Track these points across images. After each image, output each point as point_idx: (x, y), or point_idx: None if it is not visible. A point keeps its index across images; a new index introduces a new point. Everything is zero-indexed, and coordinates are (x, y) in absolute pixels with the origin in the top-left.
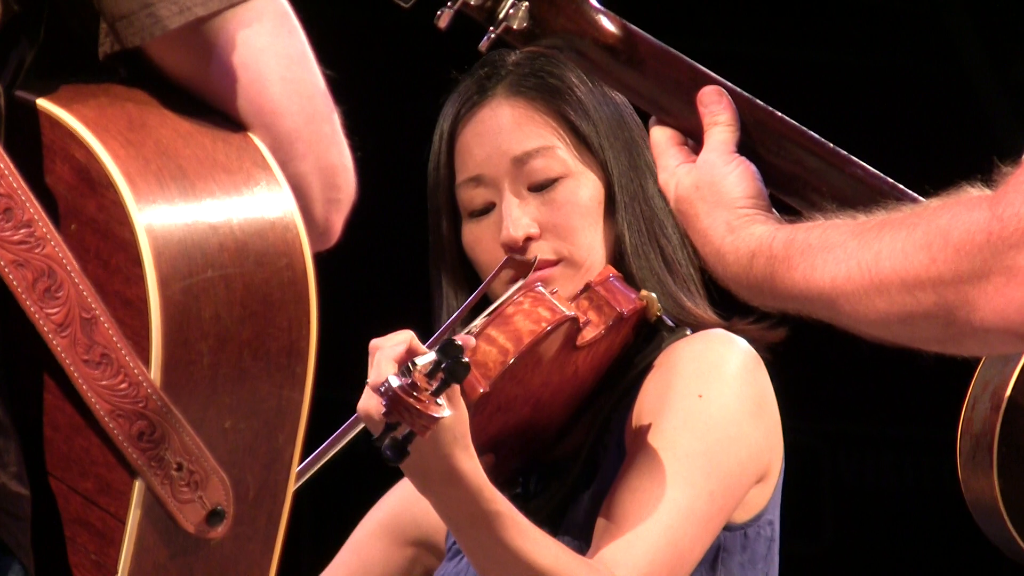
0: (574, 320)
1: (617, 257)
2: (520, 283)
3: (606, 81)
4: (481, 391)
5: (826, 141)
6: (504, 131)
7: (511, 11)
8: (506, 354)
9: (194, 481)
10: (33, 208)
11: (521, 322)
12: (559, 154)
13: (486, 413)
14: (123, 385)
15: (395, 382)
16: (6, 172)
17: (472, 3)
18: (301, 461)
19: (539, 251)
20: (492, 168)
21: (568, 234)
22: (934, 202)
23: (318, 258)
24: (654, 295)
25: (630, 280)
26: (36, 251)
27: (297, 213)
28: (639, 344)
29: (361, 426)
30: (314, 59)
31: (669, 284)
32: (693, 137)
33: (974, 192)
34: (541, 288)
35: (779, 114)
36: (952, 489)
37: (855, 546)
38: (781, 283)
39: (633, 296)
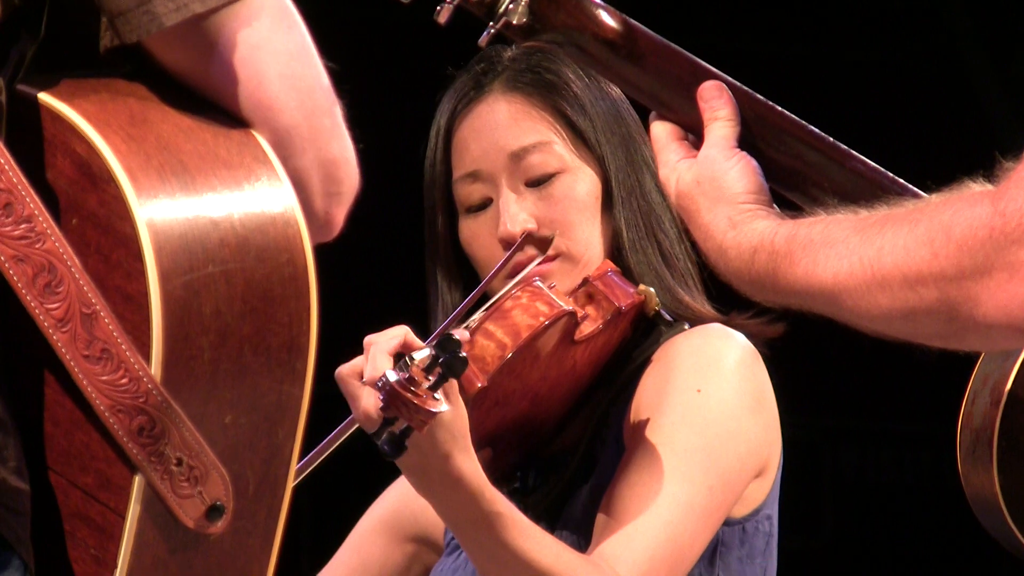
0: (572, 314)
1: (615, 252)
2: (518, 278)
3: (606, 76)
4: (479, 385)
5: (826, 136)
6: (501, 127)
7: (511, 6)
8: (504, 348)
9: (194, 476)
10: (33, 203)
11: (519, 316)
12: (556, 149)
13: (484, 407)
14: (123, 380)
15: (392, 376)
16: (6, 167)
17: None
18: (301, 456)
19: (536, 246)
20: (489, 164)
21: (566, 229)
22: (936, 198)
23: (318, 254)
24: (652, 290)
25: (628, 275)
26: (36, 246)
27: (298, 208)
28: (637, 339)
29: (356, 426)
30: (315, 53)
31: (667, 279)
32: (693, 132)
33: (976, 187)
34: (539, 282)
35: (779, 108)
36: (952, 484)
37: (855, 541)
38: (783, 279)
39: (631, 291)
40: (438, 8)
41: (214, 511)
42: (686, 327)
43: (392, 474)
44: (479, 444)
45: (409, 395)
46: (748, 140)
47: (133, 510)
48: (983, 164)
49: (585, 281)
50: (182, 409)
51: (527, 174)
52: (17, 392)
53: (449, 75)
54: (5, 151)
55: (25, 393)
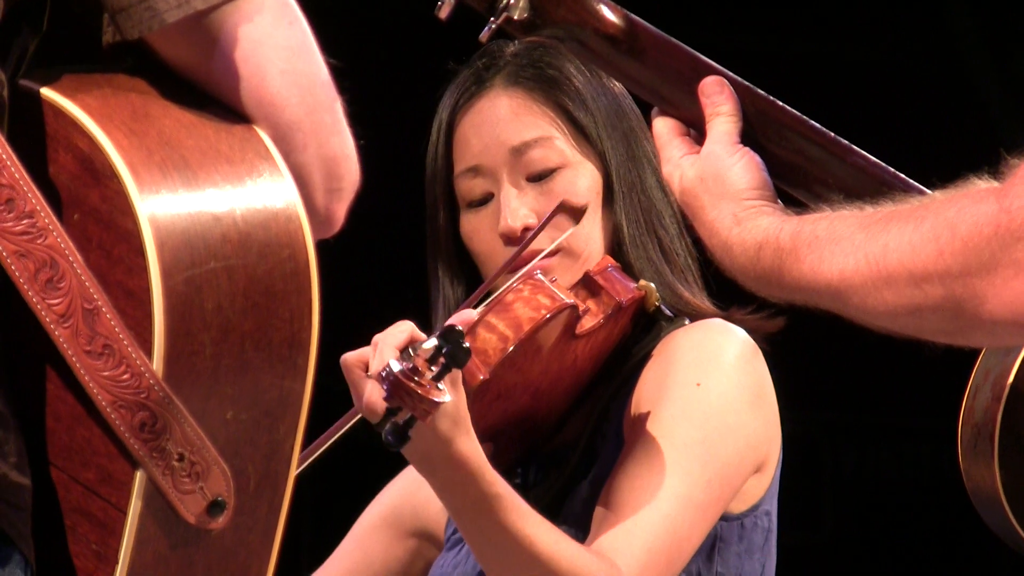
0: (573, 308)
1: (615, 247)
2: (521, 272)
3: (607, 71)
4: (481, 378)
5: (827, 131)
6: (502, 121)
7: (512, 1)
8: (506, 341)
9: (195, 472)
10: (35, 198)
11: (521, 309)
12: (557, 144)
13: (485, 401)
14: (125, 376)
15: (396, 367)
16: (8, 162)
17: None
18: (302, 448)
19: (537, 241)
20: (490, 158)
21: (565, 227)
22: (941, 194)
23: (320, 250)
24: (652, 285)
25: (628, 270)
26: (38, 241)
27: (300, 204)
28: (637, 334)
29: (358, 416)
30: (316, 49)
31: (667, 274)
32: (695, 128)
33: (981, 184)
34: (540, 276)
35: (780, 103)
36: (952, 479)
37: (854, 536)
38: (788, 275)
39: (632, 286)
40: (439, 4)
41: (215, 507)
42: (686, 322)
43: (393, 470)
44: (480, 438)
45: (413, 385)
46: (750, 135)
47: (134, 506)
48: (984, 161)
49: (586, 276)
50: (184, 405)
51: (528, 169)
52: (19, 387)
53: (451, 70)
54: (7, 146)
55: (27, 388)
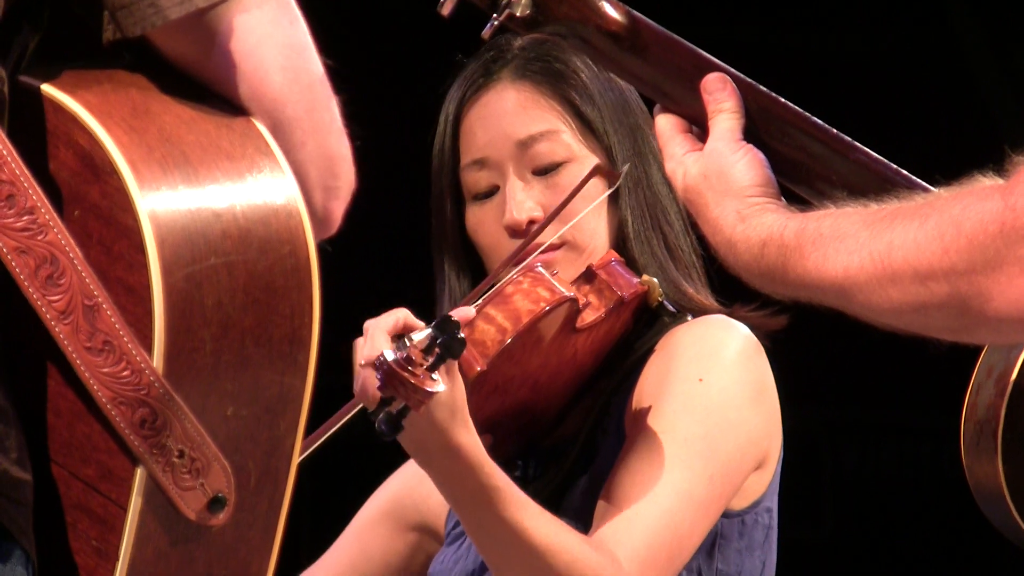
0: (574, 301)
1: (619, 242)
2: (522, 264)
3: (609, 68)
4: (478, 369)
5: (829, 127)
6: (509, 115)
7: None
8: (504, 333)
9: (196, 468)
10: (36, 195)
11: (520, 301)
12: (563, 138)
13: (483, 393)
14: (125, 372)
15: (390, 356)
16: (9, 158)
17: None
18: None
19: (543, 235)
20: (496, 151)
21: (571, 218)
22: (946, 192)
23: (320, 246)
24: (655, 280)
25: (632, 265)
26: (39, 238)
27: (300, 200)
28: (640, 329)
29: (357, 408)
30: (314, 48)
31: (671, 270)
32: (698, 124)
33: (986, 182)
34: (541, 268)
35: (782, 100)
36: (953, 475)
37: (855, 533)
38: (793, 272)
39: (635, 281)
40: (441, 1)
41: (216, 503)
42: (689, 318)
43: (393, 464)
44: (478, 430)
45: (406, 374)
46: (752, 132)
47: (135, 502)
48: (985, 158)
49: (588, 270)
50: (184, 401)
51: (534, 163)
52: (19, 383)
53: (459, 62)
54: (7, 142)
55: (27, 384)
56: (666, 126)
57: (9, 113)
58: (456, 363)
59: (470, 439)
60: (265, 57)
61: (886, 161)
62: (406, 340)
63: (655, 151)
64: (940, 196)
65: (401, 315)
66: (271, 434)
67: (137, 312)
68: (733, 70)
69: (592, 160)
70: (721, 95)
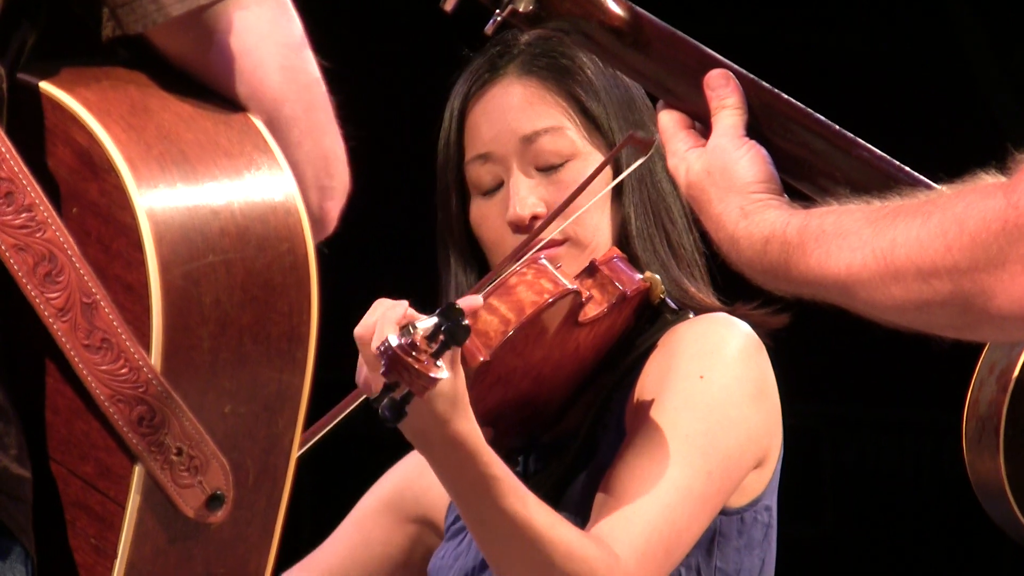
0: (576, 294)
1: (622, 239)
2: (525, 257)
3: (612, 64)
4: (481, 359)
5: (832, 123)
6: (514, 110)
7: None
8: (507, 324)
9: (194, 466)
10: (34, 192)
11: (524, 293)
12: (568, 134)
13: (486, 383)
14: (123, 370)
15: (395, 341)
16: (7, 156)
17: None
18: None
19: (546, 232)
20: (501, 146)
21: (575, 214)
22: (948, 189)
23: (319, 244)
24: (658, 277)
25: (634, 262)
26: (37, 235)
27: (299, 197)
28: (641, 326)
29: (361, 398)
30: (310, 48)
31: (673, 268)
32: (701, 121)
33: (989, 179)
34: (545, 261)
35: (785, 96)
36: (953, 471)
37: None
38: (795, 269)
39: (637, 277)
40: None
41: (214, 500)
42: (690, 316)
43: (393, 459)
44: (480, 422)
45: (411, 360)
46: (755, 128)
47: (133, 500)
48: (986, 155)
49: (591, 265)
50: (182, 399)
51: (538, 158)
52: (18, 381)
53: (465, 57)
54: (6, 140)
55: (26, 382)
56: (669, 122)
57: (8, 110)
58: (459, 352)
59: (470, 428)
60: (264, 56)
61: (889, 158)
62: (411, 327)
63: (659, 148)
64: (943, 194)
65: (404, 304)
66: (269, 431)
67: (135, 310)
68: (736, 66)
69: (597, 157)
70: (724, 91)
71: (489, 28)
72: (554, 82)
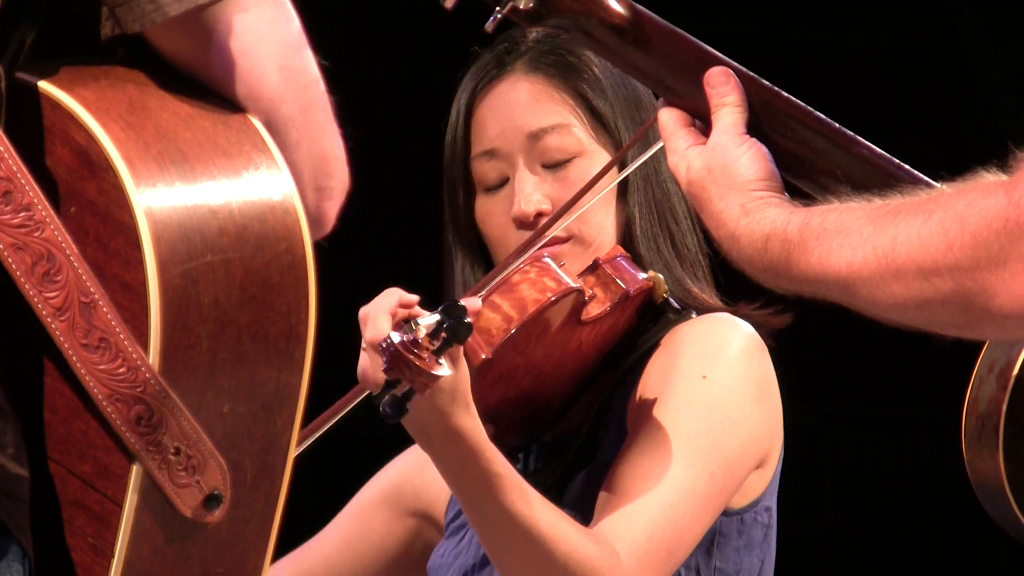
0: (579, 292)
1: (626, 238)
2: (528, 254)
3: (613, 62)
4: (483, 357)
5: (832, 122)
6: (520, 106)
7: None
8: (510, 322)
9: (192, 465)
10: (32, 191)
11: (526, 291)
12: (574, 132)
13: (487, 381)
14: (121, 369)
15: (396, 338)
16: (6, 155)
17: None
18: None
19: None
20: (507, 143)
21: (579, 211)
22: (950, 188)
23: (317, 243)
24: (661, 277)
25: (638, 261)
26: (35, 234)
27: (297, 197)
28: (644, 325)
29: (363, 395)
30: (309, 48)
31: (676, 268)
32: (701, 118)
33: (990, 178)
34: (548, 259)
35: (785, 94)
36: (953, 470)
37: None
38: (796, 267)
39: (640, 276)
40: None
41: (212, 500)
42: (693, 315)
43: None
44: (481, 419)
45: (412, 357)
46: (755, 126)
47: (131, 499)
48: (986, 153)
49: (594, 263)
50: (180, 398)
51: (544, 156)
52: (16, 380)
53: (472, 53)
54: (5, 139)
55: (24, 381)
56: (669, 120)
57: (6, 109)
58: (461, 349)
59: (472, 424)
60: (262, 56)
61: (889, 156)
62: (412, 324)
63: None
64: (944, 192)
65: (394, 295)
66: (267, 431)
67: (133, 309)
68: (736, 64)
69: (603, 155)
70: (724, 89)
71: (489, 26)
72: (561, 79)
